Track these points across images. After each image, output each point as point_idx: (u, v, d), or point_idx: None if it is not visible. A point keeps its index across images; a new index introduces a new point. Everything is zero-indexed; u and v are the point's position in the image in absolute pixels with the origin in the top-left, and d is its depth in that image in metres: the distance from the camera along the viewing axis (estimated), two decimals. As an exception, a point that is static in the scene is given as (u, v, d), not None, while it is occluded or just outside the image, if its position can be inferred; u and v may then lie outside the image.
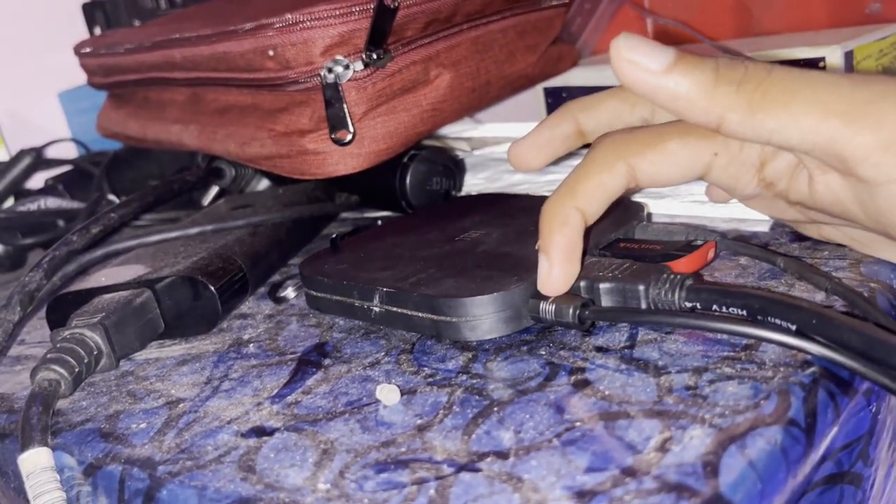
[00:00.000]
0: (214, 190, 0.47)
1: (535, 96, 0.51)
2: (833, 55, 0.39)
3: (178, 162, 0.53)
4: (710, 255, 0.28)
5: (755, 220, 0.33)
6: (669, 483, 0.17)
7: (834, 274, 0.27)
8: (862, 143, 0.21)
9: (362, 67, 0.38)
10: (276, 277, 0.36)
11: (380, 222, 0.42)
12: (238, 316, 0.32)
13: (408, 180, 0.41)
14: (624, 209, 0.32)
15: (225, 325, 0.32)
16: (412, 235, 0.33)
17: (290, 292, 0.33)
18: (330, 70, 0.37)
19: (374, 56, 0.37)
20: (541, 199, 0.35)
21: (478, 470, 0.19)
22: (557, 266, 0.25)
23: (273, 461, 0.21)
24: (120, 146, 0.56)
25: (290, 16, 0.37)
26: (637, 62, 0.23)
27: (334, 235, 0.33)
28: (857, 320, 0.21)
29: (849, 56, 0.39)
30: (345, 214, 0.45)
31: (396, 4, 0.37)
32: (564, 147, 0.30)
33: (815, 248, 0.30)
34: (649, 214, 0.32)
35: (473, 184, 0.48)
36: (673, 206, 0.36)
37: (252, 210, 0.38)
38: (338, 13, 0.37)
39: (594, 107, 0.30)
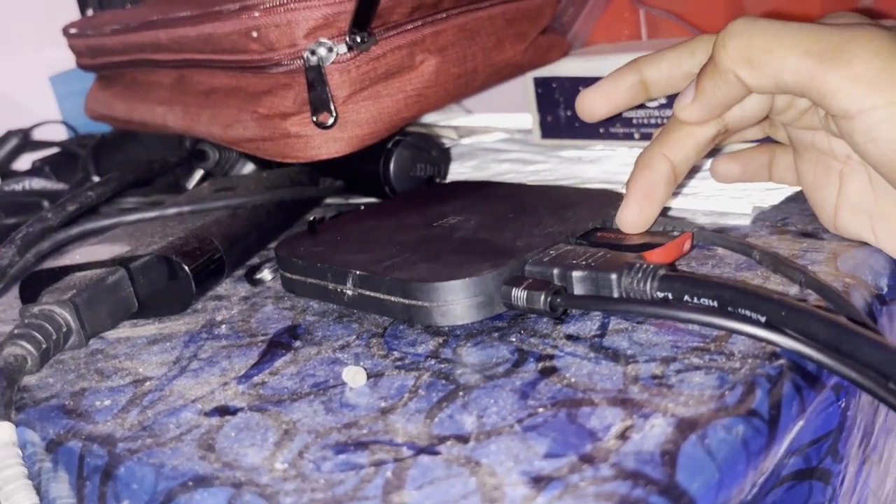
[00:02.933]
0: (199, 173, 0.46)
1: (524, 86, 0.51)
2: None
3: (167, 145, 0.53)
4: (687, 246, 0.27)
5: (736, 214, 0.33)
6: (626, 471, 0.17)
7: (810, 267, 0.27)
8: (834, 77, 0.23)
9: (346, 50, 0.37)
10: (254, 260, 0.36)
11: (363, 208, 0.42)
12: (213, 297, 0.32)
13: (392, 166, 0.41)
14: (602, 198, 0.31)
15: (199, 305, 0.31)
16: (391, 220, 0.32)
17: (266, 274, 0.33)
18: (313, 52, 0.37)
19: (358, 39, 0.37)
20: (522, 187, 0.35)
21: (437, 453, 0.19)
22: (631, 203, 0.28)
23: (233, 440, 0.21)
24: (109, 129, 0.56)
25: (271, -2, 0.36)
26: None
27: (311, 218, 0.32)
28: (827, 313, 0.20)
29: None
30: (330, 200, 0.45)
31: (382, -13, 0.37)
32: (628, 97, 0.31)
33: (794, 240, 0.30)
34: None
35: (461, 172, 0.48)
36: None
37: (233, 193, 0.38)
38: (321, -5, 0.37)
39: (657, 57, 0.31)
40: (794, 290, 0.25)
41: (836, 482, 0.25)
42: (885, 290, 0.27)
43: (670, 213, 0.35)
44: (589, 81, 0.49)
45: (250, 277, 0.33)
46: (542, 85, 0.51)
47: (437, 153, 0.42)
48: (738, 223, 0.32)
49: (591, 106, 0.32)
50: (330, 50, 0.37)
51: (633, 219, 0.28)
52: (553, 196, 0.33)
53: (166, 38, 0.43)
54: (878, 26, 0.24)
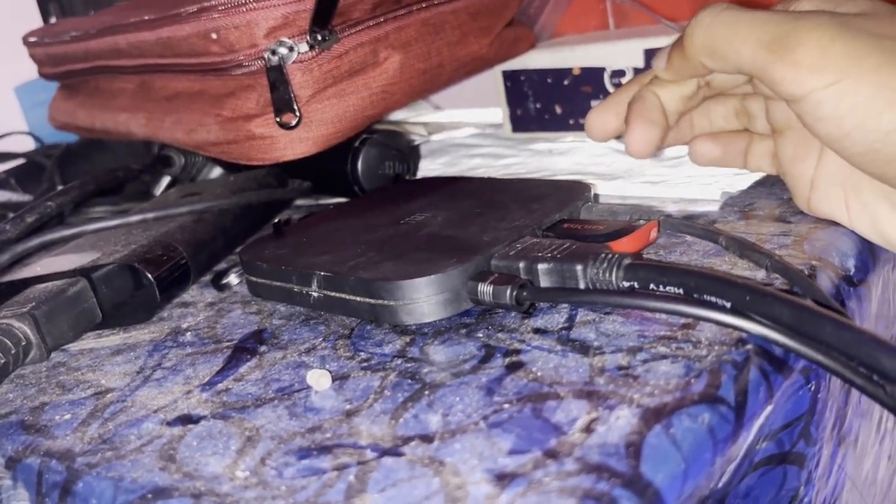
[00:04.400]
0: (166, 180, 0.45)
1: (493, 79, 0.50)
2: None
3: (135, 153, 0.52)
4: (653, 234, 0.27)
5: (705, 201, 0.33)
6: (590, 464, 0.17)
7: (777, 252, 0.27)
8: (780, 65, 0.24)
9: (307, 49, 0.37)
10: (222, 265, 0.36)
11: (332, 208, 0.42)
12: (179, 304, 0.32)
13: (359, 165, 0.40)
14: (569, 189, 0.31)
15: (165, 313, 0.31)
16: (357, 219, 0.32)
17: (233, 279, 0.32)
18: (274, 52, 0.36)
19: (319, 37, 0.37)
20: (489, 182, 0.35)
21: (401, 454, 0.19)
22: (634, 127, 0.29)
23: (195, 449, 0.21)
24: (75, 139, 0.55)
25: (229, -1, 0.36)
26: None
27: (277, 220, 0.32)
28: (790, 296, 0.20)
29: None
30: (300, 201, 0.44)
31: (342, -15, 0.37)
32: None
33: (761, 224, 0.30)
34: (596, 195, 0.32)
35: (432, 168, 0.48)
36: (625, 187, 0.36)
37: (199, 198, 0.38)
38: (281, -6, 0.36)
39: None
40: (760, 274, 0.25)
41: (811, 465, 0.25)
42: (853, 271, 0.27)
43: (638, 202, 0.34)
44: (557, 73, 0.49)
45: (217, 283, 0.32)
46: (511, 78, 0.51)
47: (405, 150, 0.42)
48: (708, 209, 0.32)
49: (603, 124, 0.32)
50: (291, 49, 0.37)
51: (639, 141, 0.29)
52: (520, 189, 0.32)
53: (125, 43, 0.43)
54: (828, 13, 0.25)
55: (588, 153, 0.43)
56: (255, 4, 0.36)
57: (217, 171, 0.47)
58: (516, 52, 0.48)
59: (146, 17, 0.40)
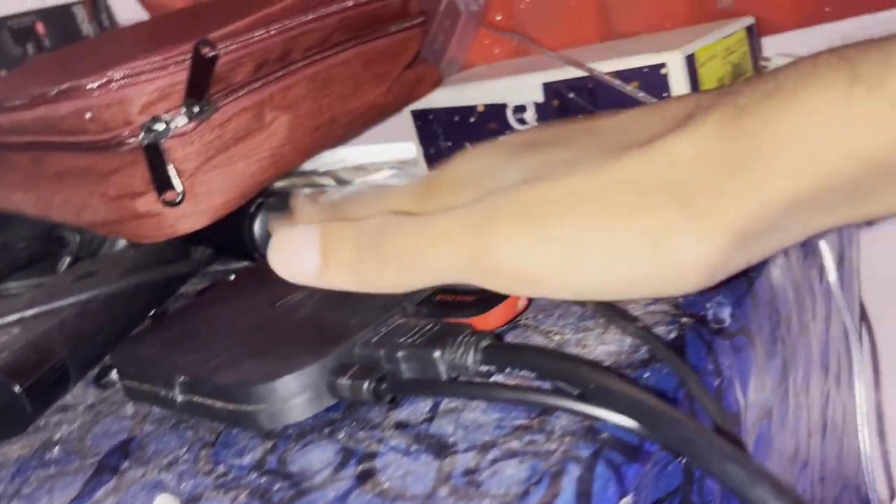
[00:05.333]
0: (67, 259, 0.44)
1: (404, 118, 0.50)
2: (674, 60, 0.38)
3: (45, 227, 0.51)
4: (521, 303, 0.26)
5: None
6: None
7: (652, 307, 0.26)
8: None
9: (185, 122, 0.36)
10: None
11: (232, 276, 0.41)
12: (60, 408, 0.31)
13: (256, 231, 0.39)
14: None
15: (43, 421, 0.30)
16: (236, 302, 0.31)
17: (114, 376, 0.31)
18: (149, 130, 0.35)
19: (196, 109, 0.36)
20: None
21: None
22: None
23: None
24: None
25: (101, 75, 0.35)
26: (295, 273, 0.26)
27: (153, 312, 0.31)
28: (635, 389, 0.19)
29: (690, 60, 0.38)
30: (216, 267, 0.43)
31: (215, 53, 0.35)
32: None
33: (646, 276, 0.29)
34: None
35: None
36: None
37: (86, 283, 0.36)
38: (152, 68, 0.35)
39: None
40: (627, 340, 0.24)
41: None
42: (728, 321, 0.26)
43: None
44: (463, 111, 0.48)
45: (98, 381, 0.31)
46: (420, 117, 0.50)
47: (304, 210, 0.41)
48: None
49: None
50: (167, 124, 0.35)
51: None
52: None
53: (7, 121, 0.41)
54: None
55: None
56: (126, 81, 0.35)
57: (122, 242, 0.45)
58: (419, 93, 0.47)
59: (17, 102, 0.38)
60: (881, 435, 0.57)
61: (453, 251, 0.23)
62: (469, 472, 0.20)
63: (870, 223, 0.54)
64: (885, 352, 0.58)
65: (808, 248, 0.35)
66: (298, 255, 0.26)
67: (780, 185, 0.19)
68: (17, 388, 0.28)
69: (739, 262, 0.21)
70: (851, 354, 0.39)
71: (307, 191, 0.33)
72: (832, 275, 0.34)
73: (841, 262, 0.44)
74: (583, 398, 0.20)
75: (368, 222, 0.25)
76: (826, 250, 0.34)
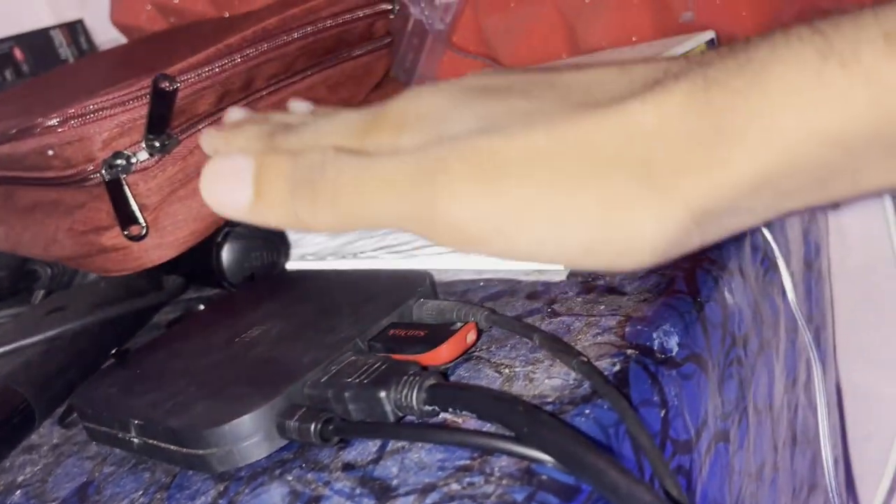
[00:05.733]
0: (41, 292, 0.45)
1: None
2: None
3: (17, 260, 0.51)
4: (471, 337, 0.27)
5: (553, 271, 0.33)
6: None
7: (599, 336, 0.26)
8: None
9: (147, 156, 0.36)
10: (81, 390, 0.35)
11: (201, 306, 0.41)
12: (25, 448, 0.31)
13: (224, 260, 0.40)
14: (404, 283, 0.30)
15: (8, 462, 0.30)
16: (195, 339, 0.31)
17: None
18: (111, 166, 0.36)
19: (157, 144, 0.36)
20: (335, 279, 0.34)
21: None
22: None
23: None
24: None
25: (61, 112, 0.35)
26: (224, 205, 0.24)
27: (115, 351, 0.31)
28: (567, 432, 0.20)
29: (649, 77, 0.38)
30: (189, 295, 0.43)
31: (175, 87, 0.36)
32: None
33: (598, 299, 0.29)
34: (432, 283, 0.31)
35: (318, 241, 0.47)
36: (466, 260, 0.35)
37: (58, 317, 0.37)
38: (112, 104, 0.35)
39: None
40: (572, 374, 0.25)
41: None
42: (675, 349, 0.26)
43: (489, 276, 0.34)
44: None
45: (63, 421, 0.32)
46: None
47: (273, 238, 0.41)
48: (554, 279, 0.32)
49: None
50: (128, 160, 0.36)
51: None
52: (360, 286, 0.32)
53: (-24, 158, 0.42)
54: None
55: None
56: (86, 118, 0.35)
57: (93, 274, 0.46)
58: (386, 113, 0.47)
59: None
60: (844, 443, 0.56)
61: (396, 200, 0.21)
62: (407, 518, 0.20)
63: (835, 206, 0.53)
64: (846, 358, 0.56)
65: (767, 264, 0.35)
66: (230, 187, 0.24)
67: (745, 165, 0.18)
68: (-21, 433, 0.29)
69: (695, 241, 0.20)
70: (812, 370, 0.39)
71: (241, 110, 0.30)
72: (791, 294, 0.34)
73: (809, 269, 0.44)
74: (518, 440, 0.20)
75: (307, 156, 0.23)
76: (784, 270, 0.34)
